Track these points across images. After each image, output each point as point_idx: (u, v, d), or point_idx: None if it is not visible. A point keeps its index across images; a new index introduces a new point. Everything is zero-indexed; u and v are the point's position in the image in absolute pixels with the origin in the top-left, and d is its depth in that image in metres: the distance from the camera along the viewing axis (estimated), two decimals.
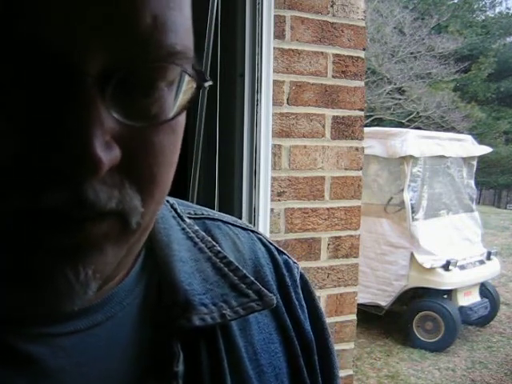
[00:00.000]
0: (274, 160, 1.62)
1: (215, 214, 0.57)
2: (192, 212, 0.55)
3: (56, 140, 0.31)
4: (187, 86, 0.37)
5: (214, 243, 0.51)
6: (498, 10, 26.66)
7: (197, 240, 0.51)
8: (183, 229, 0.51)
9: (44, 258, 0.34)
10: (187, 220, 0.53)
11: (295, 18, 1.65)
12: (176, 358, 0.42)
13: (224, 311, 0.46)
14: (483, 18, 24.34)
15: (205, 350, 0.44)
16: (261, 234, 0.58)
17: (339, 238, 1.77)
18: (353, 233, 1.80)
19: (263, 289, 0.49)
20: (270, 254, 0.56)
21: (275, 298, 0.49)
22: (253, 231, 0.58)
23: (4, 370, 0.37)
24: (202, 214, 0.56)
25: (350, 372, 1.82)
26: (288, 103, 1.66)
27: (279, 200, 1.66)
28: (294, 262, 0.58)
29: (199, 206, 0.58)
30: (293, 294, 0.54)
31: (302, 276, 0.57)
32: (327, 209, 1.74)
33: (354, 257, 1.81)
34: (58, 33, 0.30)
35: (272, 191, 1.62)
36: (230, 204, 1.53)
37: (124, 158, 0.34)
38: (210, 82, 0.39)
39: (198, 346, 0.44)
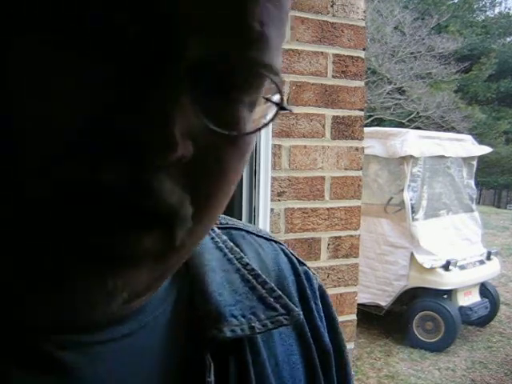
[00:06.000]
0: (274, 160, 1.62)
1: (239, 223, 0.57)
2: (217, 221, 0.54)
3: (134, 113, 0.28)
4: (266, 105, 0.35)
5: (242, 254, 0.51)
6: (497, 10, 26.75)
7: (226, 251, 0.51)
8: (213, 238, 0.51)
9: (78, 259, 0.31)
10: (216, 229, 0.53)
11: (295, 18, 1.65)
12: (208, 368, 0.42)
13: (253, 324, 0.45)
14: (483, 18, 24.36)
15: (233, 362, 0.45)
16: (283, 245, 0.58)
17: (339, 237, 1.77)
18: (353, 233, 1.80)
19: (290, 303, 0.48)
20: (292, 265, 0.56)
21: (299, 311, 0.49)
22: (276, 241, 0.58)
23: (44, 379, 0.37)
24: (227, 224, 0.56)
25: None
26: (288, 103, 1.66)
27: (279, 200, 1.66)
28: (314, 274, 0.58)
29: (223, 215, 0.56)
30: (313, 305, 0.54)
31: (320, 287, 0.57)
32: (327, 209, 1.74)
33: (354, 257, 1.81)
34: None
35: (272, 191, 1.62)
36: (230, 204, 1.52)
37: (192, 159, 0.31)
38: (290, 109, 0.37)
39: (226, 358, 0.44)
